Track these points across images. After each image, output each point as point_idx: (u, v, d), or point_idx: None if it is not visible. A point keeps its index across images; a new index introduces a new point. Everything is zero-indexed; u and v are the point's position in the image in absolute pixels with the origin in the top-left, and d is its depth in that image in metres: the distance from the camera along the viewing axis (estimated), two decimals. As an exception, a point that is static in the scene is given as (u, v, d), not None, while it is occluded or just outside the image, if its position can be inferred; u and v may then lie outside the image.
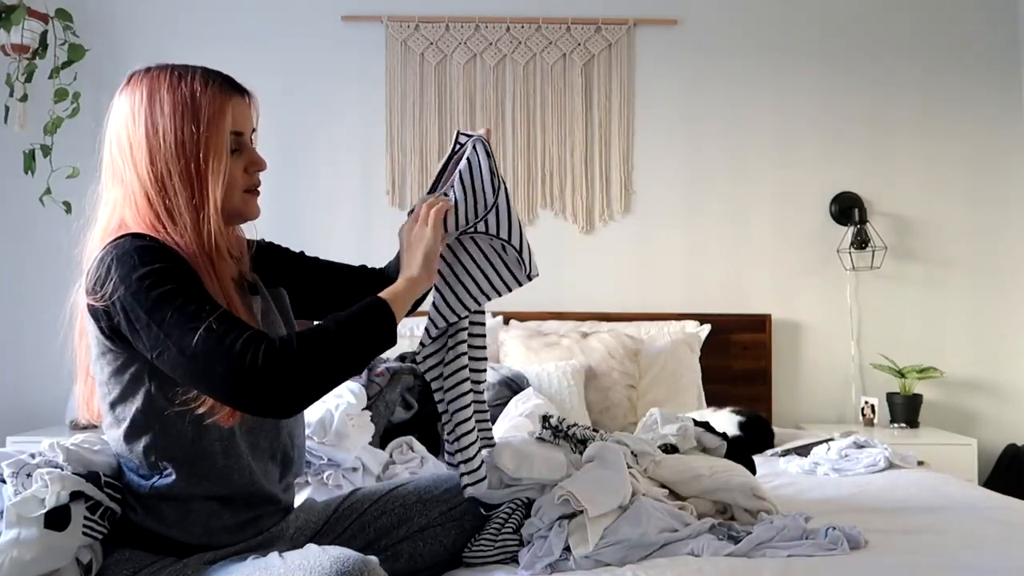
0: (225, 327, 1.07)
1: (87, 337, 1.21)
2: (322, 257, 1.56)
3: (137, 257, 1.10)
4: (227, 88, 1.23)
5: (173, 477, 1.18)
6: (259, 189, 1.29)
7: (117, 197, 1.21)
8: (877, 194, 3.42)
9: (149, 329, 1.08)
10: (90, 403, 1.26)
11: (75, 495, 1.19)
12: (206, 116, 1.18)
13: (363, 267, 1.59)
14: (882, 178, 3.43)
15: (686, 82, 3.43)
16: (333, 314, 1.17)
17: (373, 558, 1.09)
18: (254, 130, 1.29)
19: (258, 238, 1.44)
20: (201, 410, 1.13)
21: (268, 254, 1.46)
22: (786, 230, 3.42)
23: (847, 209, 3.36)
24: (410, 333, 3.13)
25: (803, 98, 3.43)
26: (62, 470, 1.25)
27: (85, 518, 1.20)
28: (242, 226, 1.35)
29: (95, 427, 2.93)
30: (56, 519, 1.17)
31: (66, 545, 1.18)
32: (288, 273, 1.47)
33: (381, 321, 1.17)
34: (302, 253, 1.54)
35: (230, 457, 1.20)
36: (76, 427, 2.93)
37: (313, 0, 3.38)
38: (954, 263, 3.42)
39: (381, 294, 1.21)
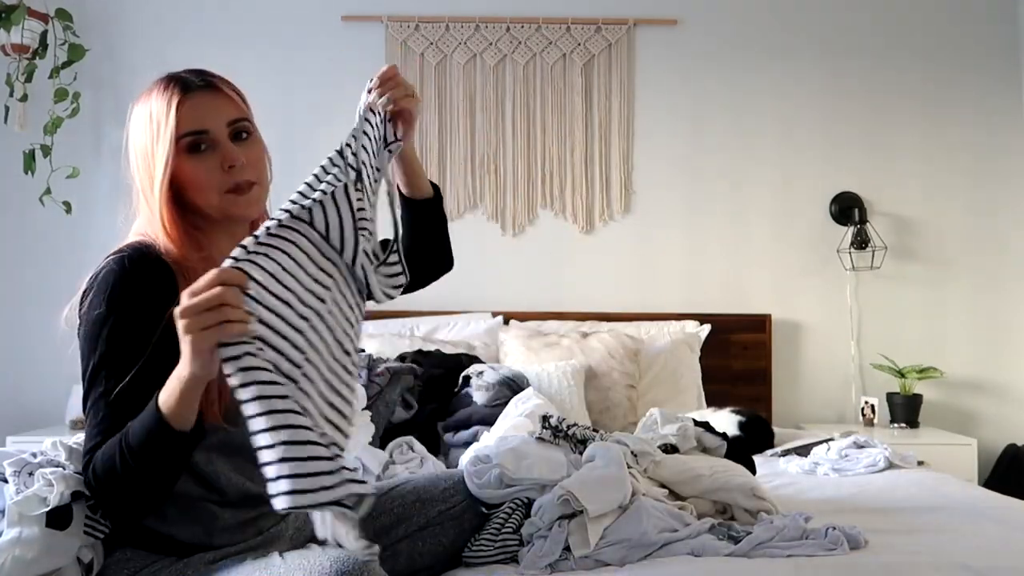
0: (92, 422, 1.11)
1: None
2: None
3: (106, 294, 1.12)
4: (180, 86, 1.19)
5: None
6: (248, 185, 1.22)
7: (135, 200, 1.26)
8: (877, 194, 3.42)
9: (81, 367, 1.14)
10: None
11: (76, 494, 1.20)
12: (155, 120, 1.18)
13: None
14: (882, 178, 3.43)
15: (686, 82, 3.43)
16: (125, 431, 1.05)
17: (374, 559, 1.09)
18: (239, 121, 1.22)
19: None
20: None
21: None
22: (786, 230, 3.42)
23: (847, 209, 3.36)
24: (410, 333, 3.14)
25: (803, 98, 3.43)
26: (64, 469, 1.25)
27: (87, 517, 1.20)
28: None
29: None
30: (58, 518, 1.18)
31: (68, 544, 1.18)
32: None
33: (168, 441, 1.03)
34: None
35: (218, 463, 1.20)
36: (76, 427, 2.93)
37: (313, 0, 3.38)
38: (954, 263, 3.42)
39: (160, 400, 1.03)
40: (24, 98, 3.07)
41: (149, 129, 1.19)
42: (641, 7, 3.42)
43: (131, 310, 1.11)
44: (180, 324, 0.97)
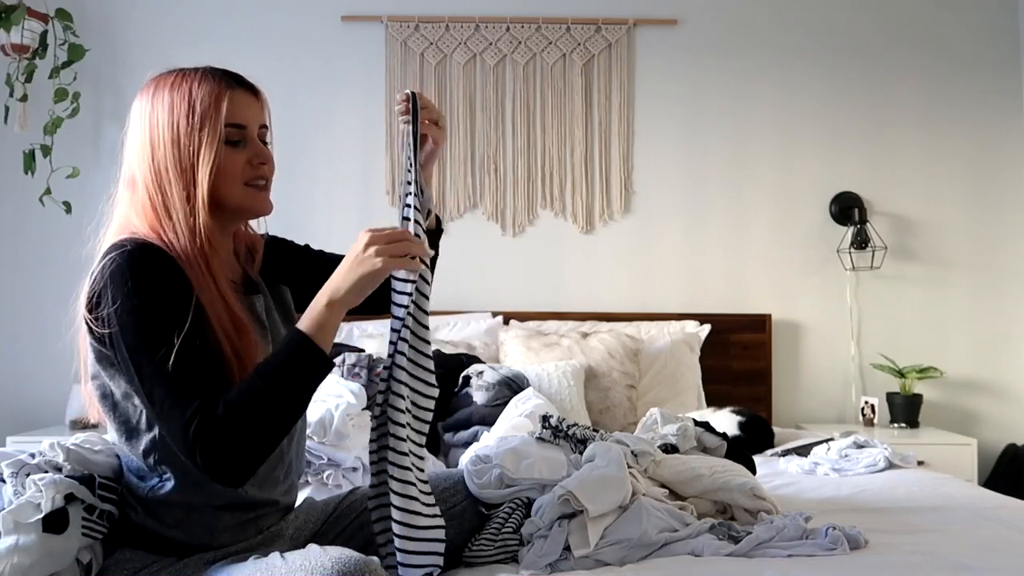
0: (178, 396, 1.09)
1: (87, 340, 1.20)
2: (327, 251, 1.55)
3: (129, 283, 1.12)
4: (226, 80, 1.23)
5: (171, 483, 1.18)
6: (266, 184, 1.28)
7: (127, 196, 1.24)
8: (877, 194, 3.42)
9: (127, 368, 1.12)
10: (95, 403, 1.26)
11: (70, 497, 1.19)
12: (200, 107, 1.19)
13: None
14: (882, 178, 3.43)
15: (686, 82, 3.43)
16: (259, 365, 1.12)
17: (374, 558, 1.10)
18: (265, 127, 1.28)
19: (265, 232, 1.45)
20: None
21: (274, 249, 1.46)
22: (786, 230, 3.42)
23: (847, 209, 3.36)
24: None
25: (803, 98, 3.43)
26: (61, 470, 1.25)
27: (83, 519, 1.20)
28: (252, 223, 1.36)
29: (95, 426, 2.94)
30: (54, 522, 1.17)
31: (66, 547, 1.18)
32: (293, 267, 1.47)
33: (310, 361, 1.12)
34: (307, 246, 1.54)
35: None
36: (76, 427, 2.93)
37: (313, 0, 3.38)
38: (954, 263, 3.42)
39: (301, 324, 1.14)
40: (24, 98, 3.07)
41: (187, 116, 1.19)
42: (641, 7, 3.42)
43: (154, 291, 1.12)
44: (368, 248, 1.14)
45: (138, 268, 1.13)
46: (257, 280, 1.36)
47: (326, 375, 1.14)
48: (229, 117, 1.21)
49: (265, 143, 1.29)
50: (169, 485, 1.18)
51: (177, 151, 1.19)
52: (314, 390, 1.14)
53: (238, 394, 1.09)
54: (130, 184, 1.23)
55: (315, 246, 1.56)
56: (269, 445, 1.11)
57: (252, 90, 1.27)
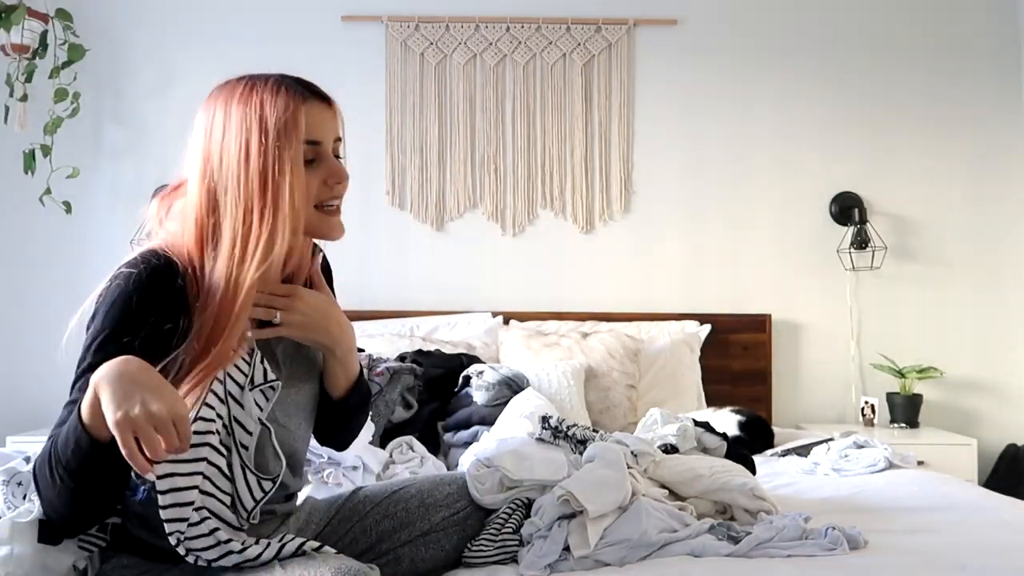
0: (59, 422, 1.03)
1: None
2: (331, 263, 1.47)
3: (105, 308, 1.07)
4: (301, 92, 1.14)
5: (152, 497, 1.14)
6: (338, 205, 1.18)
7: (181, 206, 1.17)
8: (877, 194, 3.42)
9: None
10: None
11: None
12: (275, 125, 1.09)
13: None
14: (882, 178, 3.43)
15: (686, 82, 3.43)
16: (55, 435, 1.01)
17: (375, 567, 1.09)
18: (339, 139, 1.19)
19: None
20: None
21: (327, 276, 1.38)
22: (786, 230, 3.42)
23: (847, 209, 3.36)
24: (410, 333, 3.14)
25: (803, 98, 3.43)
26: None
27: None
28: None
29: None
30: (50, 534, 1.16)
31: (62, 559, 1.17)
32: None
33: (97, 456, 0.98)
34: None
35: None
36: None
37: (313, 0, 3.38)
38: (954, 263, 3.42)
39: (83, 411, 0.97)
40: (24, 98, 3.07)
41: (260, 132, 1.09)
42: (641, 7, 3.42)
43: (124, 327, 1.06)
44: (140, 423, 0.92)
45: (122, 297, 1.07)
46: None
47: (118, 481, 1.03)
48: (308, 135, 1.12)
49: (339, 157, 1.19)
50: (147, 496, 1.15)
51: (244, 172, 1.09)
52: (106, 473, 1.00)
53: (36, 465, 1.02)
54: (186, 196, 1.15)
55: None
56: (73, 508, 1.02)
57: (327, 100, 1.18)
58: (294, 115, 1.11)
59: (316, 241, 1.28)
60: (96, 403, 0.95)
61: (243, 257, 1.08)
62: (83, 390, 0.99)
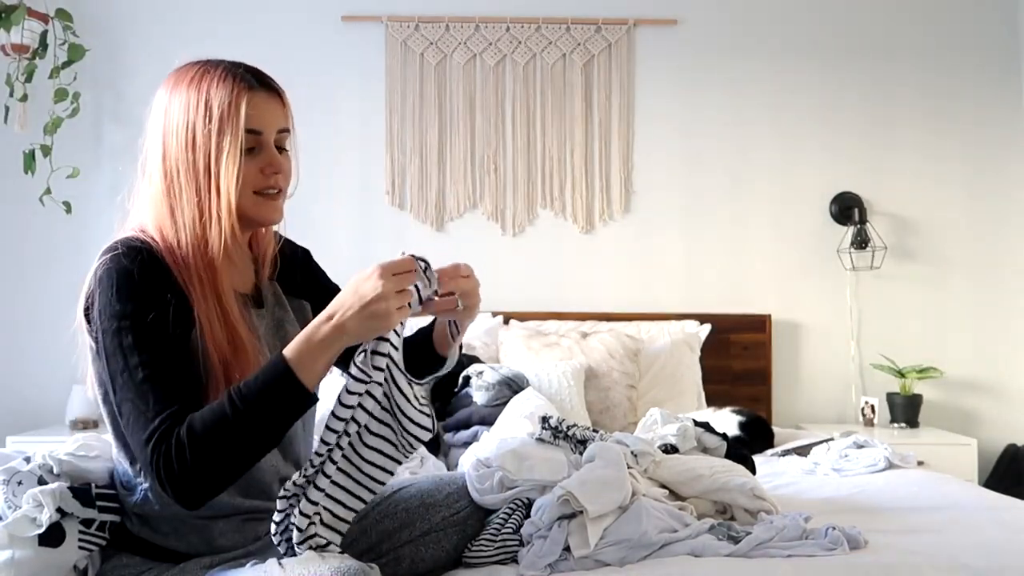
0: (144, 408, 1.05)
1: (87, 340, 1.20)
2: (331, 263, 1.52)
3: (114, 288, 1.10)
4: (247, 82, 1.18)
5: (150, 496, 1.16)
6: (279, 192, 1.22)
7: (141, 189, 1.22)
8: (877, 194, 3.42)
9: (105, 370, 1.10)
10: (99, 402, 1.24)
11: (62, 510, 1.18)
12: (219, 112, 1.14)
13: None
14: (882, 178, 3.43)
15: (686, 82, 3.43)
16: (236, 386, 1.05)
17: (374, 566, 1.09)
18: (286, 130, 1.23)
19: (298, 246, 1.43)
20: None
21: (301, 265, 1.43)
22: (786, 230, 3.42)
23: (847, 209, 3.36)
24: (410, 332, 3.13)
25: (803, 98, 3.43)
26: (60, 476, 1.24)
27: (80, 532, 1.18)
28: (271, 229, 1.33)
29: (96, 425, 2.94)
30: (51, 536, 1.16)
31: (63, 560, 1.17)
32: (315, 295, 1.41)
33: (289, 396, 1.04)
34: (336, 287, 1.49)
35: None
36: (76, 427, 2.93)
37: (313, 0, 3.38)
38: (954, 263, 3.42)
39: (288, 352, 1.05)
40: (24, 98, 3.07)
41: (204, 117, 1.14)
42: (641, 7, 3.42)
43: (137, 299, 1.09)
44: (380, 282, 1.03)
45: (123, 274, 1.10)
46: (268, 291, 1.32)
47: (305, 411, 1.06)
48: (249, 123, 1.16)
49: (284, 149, 1.23)
50: (151, 496, 1.16)
51: (191, 154, 1.15)
52: (290, 424, 1.06)
53: (207, 416, 1.03)
54: (146, 177, 1.20)
55: (315, 246, 1.54)
56: (232, 472, 1.04)
57: (275, 91, 1.22)
58: (235, 103, 1.15)
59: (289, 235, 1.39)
60: (315, 357, 1.03)
61: (204, 236, 1.15)
62: (144, 364, 1.05)
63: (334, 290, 1.45)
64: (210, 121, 1.14)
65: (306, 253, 1.46)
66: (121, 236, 1.17)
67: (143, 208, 1.20)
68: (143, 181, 1.21)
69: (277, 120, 1.21)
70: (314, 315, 1.36)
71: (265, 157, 1.19)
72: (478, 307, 1.24)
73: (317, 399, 1.07)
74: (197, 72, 1.18)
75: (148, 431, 1.04)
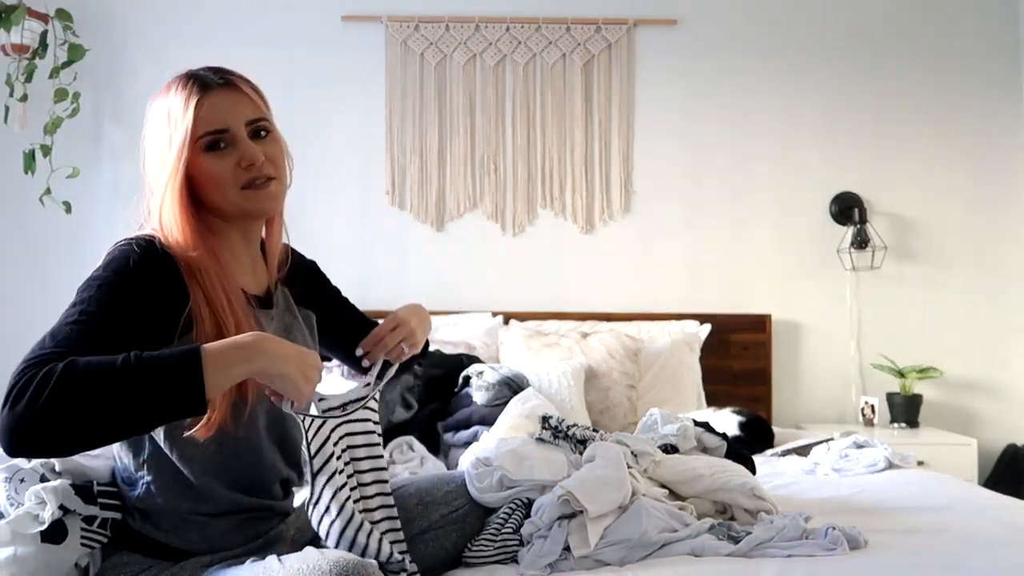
0: (51, 343, 0.99)
1: None
2: (331, 263, 1.54)
3: (108, 266, 1.11)
4: (201, 85, 1.19)
5: (152, 490, 1.17)
6: (266, 181, 1.22)
7: (145, 200, 1.24)
8: (877, 194, 3.42)
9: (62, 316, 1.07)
10: None
11: (64, 507, 1.18)
12: (172, 119, 1.17)
13: None
14: (882, 178, 3.43)
15: (686, 82, 3.43)
16: (141, 351, 0.97)
17: (372, 561, 1.09)
18: (259, 119, 1.23)
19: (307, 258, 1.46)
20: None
21: (309, 275, 1.45)
22: (786, 230, 3.42)
23: (847, 209, 3.36)
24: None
25: (803, 98, 3.43)
26: (61, 474, 1.24)
27: (83, 529, 1.19)
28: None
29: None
30: (53, 533, 1.16)
31: (65, 557, 1.17)
32: (320, 309, 1.44)
33: (182, 385, 0.95)
34: (337, 291, 1.53)
35: (209, 476, 1.18)
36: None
37: (313, 0, 3.38)
38: (954, 263, 3.42)
39: (208, 347, 0.99)
40: (24, 98, 3.07)
41: (167, 128, 1.17)
42: (641, 7, 3.42)
43: (129, 283, 1.09)
44: (298, 353, 1.07)
45: (122, 258, 1.11)
46: (279, 295, 1.33)
47: (187, 416, 0.97)
48: (203, 126, 1.17)
49: (260, 136, 1.23)
50: (150, 491, 1.17)
51: (159, 164, 1.18)
52: (160, 419, 0.96)
53: (94, 360, 0.94)
54: (147, 188, 1.23)
55: (315, 245, 1.55)
56: (74, 431, 0.91)
57: (231, 86, 1.21)
58: (186, 110, 1.17)
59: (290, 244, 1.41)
60: (230, 362, 0.99)
61: (189, 238, 1.16)
62: (84, 321, 1.02)
63: (340, 302, 1.50)
64: (174, 129, 1.17)
65: (314, 265, 1.48)
66: (134, 234, 1.19)
67: (144, 212, 1.23)
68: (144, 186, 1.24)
69: (242, 112, 1.21)
70: (320, 325, 1.41)
71: (239, 151, 1.19)
72: (417, 339, 1.45)
73: (204, 411, 0.97)
74: (170, 83, 1.21)
75: (32, 355, 0.98)
